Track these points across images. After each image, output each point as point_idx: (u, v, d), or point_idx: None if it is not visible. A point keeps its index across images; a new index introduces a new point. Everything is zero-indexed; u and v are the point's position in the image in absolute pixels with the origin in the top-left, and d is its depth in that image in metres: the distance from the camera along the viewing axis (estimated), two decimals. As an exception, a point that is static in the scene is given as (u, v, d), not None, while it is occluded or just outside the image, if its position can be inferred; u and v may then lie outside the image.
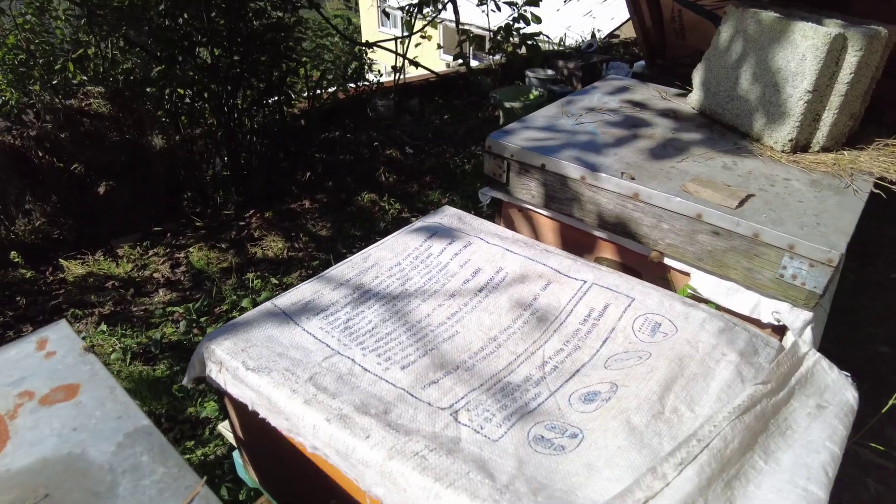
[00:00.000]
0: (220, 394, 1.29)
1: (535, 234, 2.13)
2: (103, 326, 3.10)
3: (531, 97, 5.17)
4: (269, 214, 4.07)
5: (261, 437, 1.26)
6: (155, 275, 3.59)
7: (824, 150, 2.04)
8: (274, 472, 1.39)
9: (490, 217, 2.17)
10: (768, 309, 1.71)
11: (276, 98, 4.28)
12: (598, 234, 1.96)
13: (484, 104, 5.85)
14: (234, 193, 4.24)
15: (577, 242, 2.02)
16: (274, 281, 3.44)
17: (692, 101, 2.40)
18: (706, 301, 1.81)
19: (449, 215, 1.69)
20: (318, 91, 4.89)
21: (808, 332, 1.67)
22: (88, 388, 0.93)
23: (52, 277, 3.53)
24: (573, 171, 1.88)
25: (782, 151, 2.03)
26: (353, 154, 4.68)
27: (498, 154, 2.04)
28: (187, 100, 4.10)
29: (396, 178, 4.49)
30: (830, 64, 1.89)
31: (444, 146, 5.06)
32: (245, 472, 1.52)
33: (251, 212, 4.11)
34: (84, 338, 3.03)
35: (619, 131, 2.16)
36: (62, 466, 0.81)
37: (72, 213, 3.80)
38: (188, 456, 2.29)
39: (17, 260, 3.50)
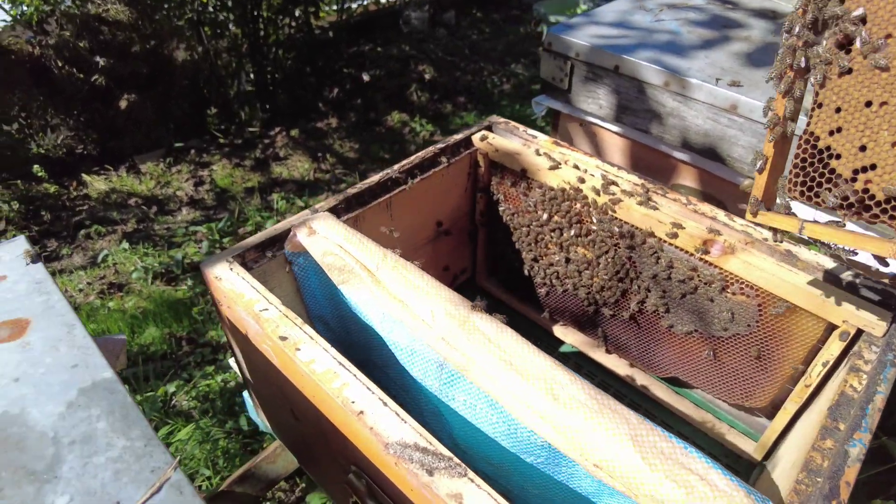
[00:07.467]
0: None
1: (599, 154, 1.80)
2: (125, 244, 2.98)
3: (580, 11, 4.65)
4: (294, 133, 3.82)
5: (270, 385, 1.05)
6: (178, 192, 3.43)
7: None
8: (286, 423, 1.20)
9: (543, 131, 1.86)
10: None
11: (303, 6, 3.92)
12: (678, 155, 1.63)
13: (526, 18, 5.35)
14: (259, 110, 3.99)
15: (650, 165, 1.70)
16: (300, 203, 3.23)
17: (795, -2, 1.96)
18: (824, 244, 1.48)
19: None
20: (346, 5, 4.49)
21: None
22: (40, 325, 0.72)
23: (75, 193, 3.40)
24: (655, 75, 1.54)
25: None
26: (384, 69, 4.31)
27: (560, 53, 1.69)
28: (210, 8, 3.77)
29: (429, 97, 4.14)
30: None
31: (482, 63, 4.64)
32: (256, 414, 1.34)
33: (276, 129, 3.86)
34: (106, 255, 2.90)
35: (707, 32, 1.77)
36: (-6, 430, 0.61)
37: (95, 127, 3.61)
38: (208, 381, 2.15)
39: (40, 174, 3.36)
